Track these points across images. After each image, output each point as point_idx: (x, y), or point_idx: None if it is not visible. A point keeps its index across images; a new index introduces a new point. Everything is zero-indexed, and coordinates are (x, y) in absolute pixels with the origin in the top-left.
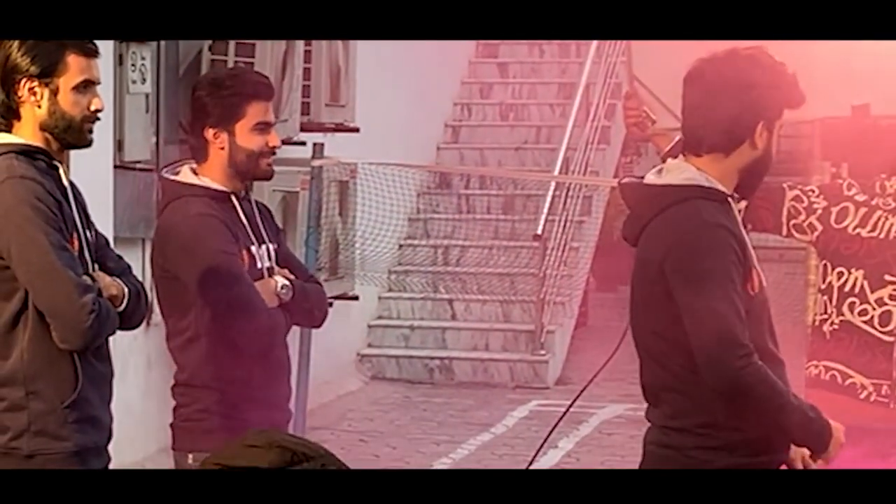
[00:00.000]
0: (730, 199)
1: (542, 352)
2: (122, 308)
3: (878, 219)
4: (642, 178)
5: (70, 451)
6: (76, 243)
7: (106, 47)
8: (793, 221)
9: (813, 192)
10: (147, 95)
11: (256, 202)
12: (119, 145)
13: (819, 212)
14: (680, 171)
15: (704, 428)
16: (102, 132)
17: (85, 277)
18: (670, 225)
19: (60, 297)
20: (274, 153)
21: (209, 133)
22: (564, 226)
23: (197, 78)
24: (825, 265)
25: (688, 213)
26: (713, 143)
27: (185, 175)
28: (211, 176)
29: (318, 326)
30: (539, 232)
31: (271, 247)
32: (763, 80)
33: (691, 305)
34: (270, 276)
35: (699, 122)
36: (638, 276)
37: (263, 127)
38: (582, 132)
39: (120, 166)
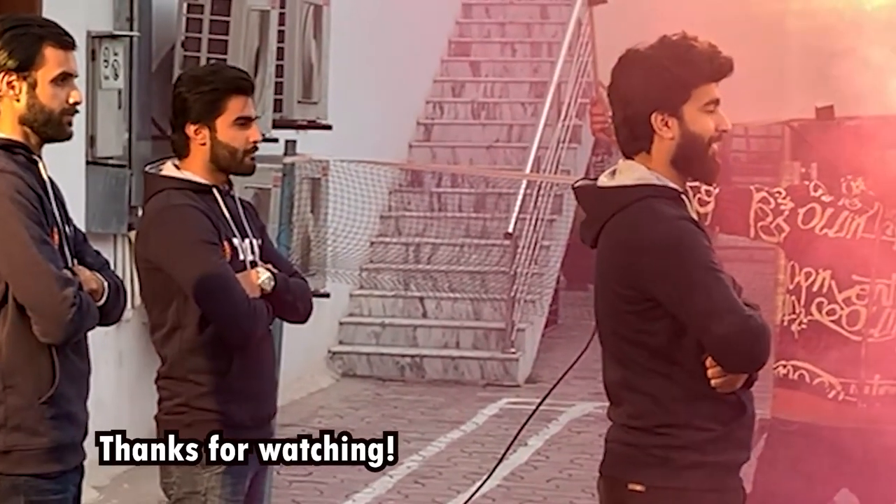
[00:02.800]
0: (683, 195)
1: (513, 350)
2: (101, 303)
3: (845, 219)
4: (595, 180)
5: (47, 448)
6: (56, 238)
7: (79, 42)
8: (760, 223)
9: (780, 193)
10: (119, 91)
11: (241, 199)
12: (91, 141)
13: (786, 213)
14: (631, 172)
15: (666, 428)
16: (74, 127)
17: (66, 271)
18: (630, 226)
19: (42, 291)
20: (255, 148)
21: (190, 129)
22: (535, 224)
23: (172, 74)
24: (793, 266)
25: (645, 211)
26: (628, 145)
27: (168, 170)
28: (193, 171)
29: (304, 321)
30: (510, 230)
31: (255, 241)
32: (647, 73)
33: (688, 301)
34: (253, 268)
35: (615, 128)
36: (599, 277)
37: (244, 122)
38: (553, 131)
39: (92, 162)
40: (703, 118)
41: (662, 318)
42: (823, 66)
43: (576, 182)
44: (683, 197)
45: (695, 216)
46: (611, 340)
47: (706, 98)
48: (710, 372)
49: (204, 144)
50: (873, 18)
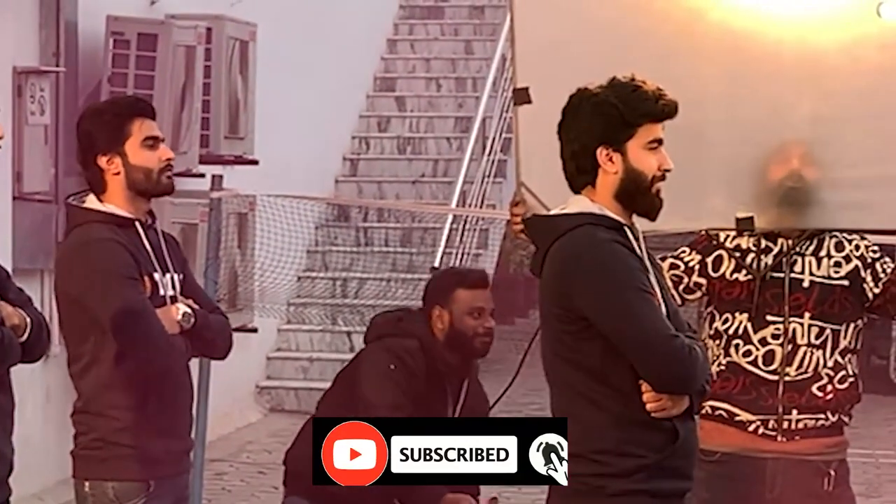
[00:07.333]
0: (626, 227)
1: None
2: (24, 339)
3: (752, 261)
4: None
5: None
6: None
7: (4, 78)
8: (680, 288)
9: (684, 252)
10: (46, 127)
11: (163, 232)
12: (18, 176)
13: (696, 268)
14: (576, 204)
15: (598, 454)
16: (1, 163)
17: None
18: (566, 249)
19: None
20: (170, 166)
21: (102, 161)
22: (461, 258)
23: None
24: (711, 313)
25: (580, 236)
26: (574, 179)
27: (91, 202)
28: (114, 203)
29: (223, 358)
30: (436, 265)
31: (176, 276)
32: (594, 109)
33: (616, 321)
34: (173, 304)
35: (563, 162)
36: (542, 303)
37: (153, 142)
38: (479, 165)
39: (18, 197)
40: (646, 156)
41: (595, 338)
42: (745, 177)
43: (525, 214)
44: (627, 229)
45: (639, 250)
46: (549, 363)
47: (650, 136)
48: (645, 396)
49: (118, 173)
50: (794, 133)
